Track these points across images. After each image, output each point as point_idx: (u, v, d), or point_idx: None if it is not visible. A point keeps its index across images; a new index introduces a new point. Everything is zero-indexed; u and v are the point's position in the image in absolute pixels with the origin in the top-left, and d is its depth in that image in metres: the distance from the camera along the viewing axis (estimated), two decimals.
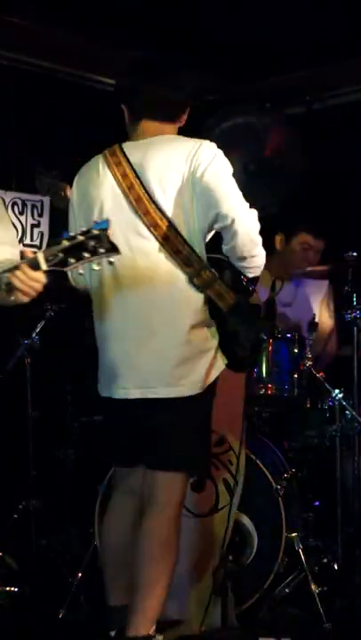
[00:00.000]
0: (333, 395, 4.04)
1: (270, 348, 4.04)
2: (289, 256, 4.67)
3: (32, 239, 5.15)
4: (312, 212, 5.16)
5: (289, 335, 4.11)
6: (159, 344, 3.06)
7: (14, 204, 5.06)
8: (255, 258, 3.09)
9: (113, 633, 3.20)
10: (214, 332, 3.13)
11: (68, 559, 4.23)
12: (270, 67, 5.34)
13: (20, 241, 5.10)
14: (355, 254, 4.07)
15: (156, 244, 3.05)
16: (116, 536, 3.29)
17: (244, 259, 3.08)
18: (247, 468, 3.72)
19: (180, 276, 3.06)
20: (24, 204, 5.11)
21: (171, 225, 3.04)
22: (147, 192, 3.06)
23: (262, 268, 3.15)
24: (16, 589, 3.98)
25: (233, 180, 3.08)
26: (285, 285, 4.71)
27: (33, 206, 5.14)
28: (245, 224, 3.02)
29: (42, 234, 5.18)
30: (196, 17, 4.73)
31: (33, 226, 5.15)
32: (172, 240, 3.04)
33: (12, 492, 4.49)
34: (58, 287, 3.72)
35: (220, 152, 3.11)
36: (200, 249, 3.09)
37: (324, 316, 4.77)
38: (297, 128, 4.34)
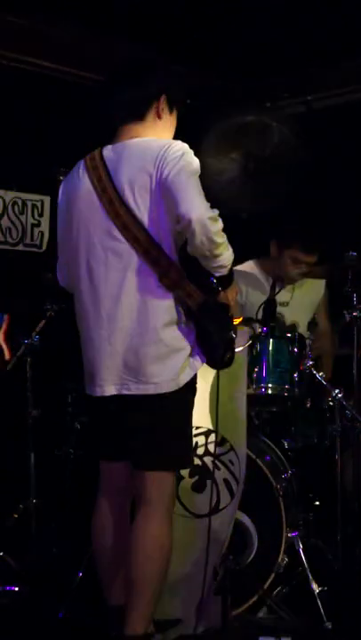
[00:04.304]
0: (333, 394, 4.04)
1: (270, 347, 4.04)
2: (281, 266, 4.65)
3: (32, 239, 5.15)
4: (312, 213, 5.16)
5: (289, 335, 4.11)
6: (131, 343, 3.12)
7: (14, 203, 5.06)
8: (218, 258, 3.10)
9: (113, 633, 3.21)
10: (189, 330, 3.17)
11: (69, 559, 4.23)
12: (270, 67, 5.35)
13: (20, 241, 5.10)
14: (355, 254, 4.07)
15: (127, 246, 3.12)
16: (103, 536, 3.32)
17: (206, 258, 3.10)
18: (247, 467, 3.72)
19: (150, 276, 3.11)
20: (24, 204, 5.11)
21: (140, 226, 3.10)
22: (118, 195, 3.13)
23: (228, 267, 3.15)
24: (16, 589, 3.98)
25: (196, 180, 3.10)
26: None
27: (33, 206, 5.14)
28: (203, 224, 3.02)
29: (42, 234, 5.18)
30: (196, 17, 4.74)
31: (33, 226, 5.15)
32: (141, 241, 3.10)
33: (11, 492, 4.49)
34: (58, 287, 3.73)
35: (188, 151, 3.13)
36: (170, 249, 3.13)
37: (322, 317, 4.76)
38: (297, 128, 4.35)
